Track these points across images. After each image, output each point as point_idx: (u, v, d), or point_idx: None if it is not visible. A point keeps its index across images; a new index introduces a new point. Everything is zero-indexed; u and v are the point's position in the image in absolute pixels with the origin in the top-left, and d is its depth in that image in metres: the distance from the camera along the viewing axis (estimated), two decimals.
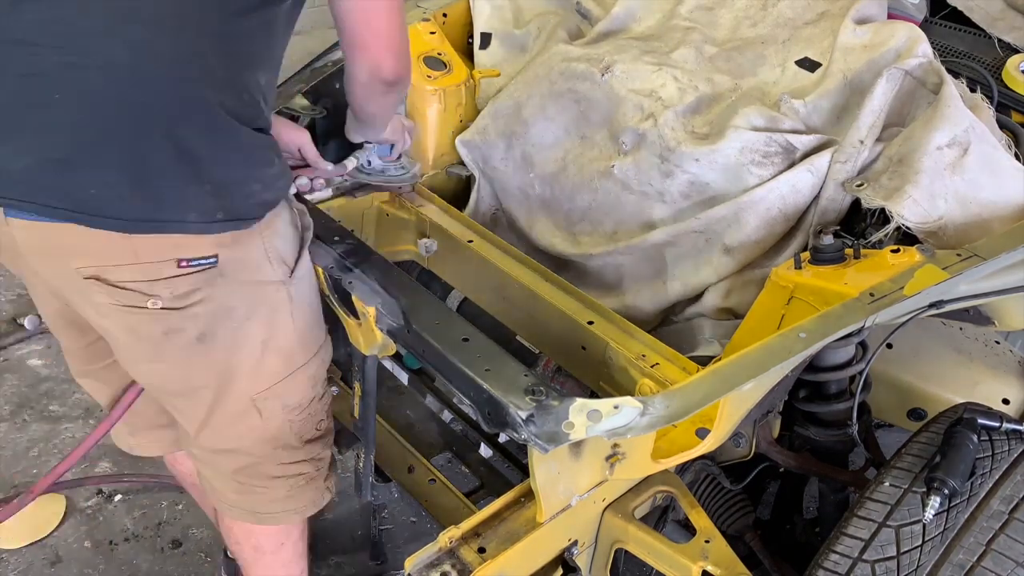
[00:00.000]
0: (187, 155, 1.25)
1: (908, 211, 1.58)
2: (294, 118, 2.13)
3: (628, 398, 1.20)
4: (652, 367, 1.55)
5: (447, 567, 1.35)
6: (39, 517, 2.35)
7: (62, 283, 1.35)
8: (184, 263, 1.28)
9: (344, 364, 2.51)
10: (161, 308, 1.31)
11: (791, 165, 1.75)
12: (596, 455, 1.36)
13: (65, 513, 2.39)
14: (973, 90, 1.86)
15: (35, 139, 1.22)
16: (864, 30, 1.89)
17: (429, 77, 2.12)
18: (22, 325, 3.01)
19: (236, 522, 1.71)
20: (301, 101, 2.07)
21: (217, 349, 1.42)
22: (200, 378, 1.46)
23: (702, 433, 1.41)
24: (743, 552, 1.62)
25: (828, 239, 1.56)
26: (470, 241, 1.91)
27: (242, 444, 1.57)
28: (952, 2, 2.21)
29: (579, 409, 1.20)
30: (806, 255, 1.57)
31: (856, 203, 1.72)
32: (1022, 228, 1.61)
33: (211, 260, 1.31)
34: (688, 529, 1.57)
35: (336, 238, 1.64)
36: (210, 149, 1.27)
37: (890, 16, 2.03)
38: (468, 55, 2.29)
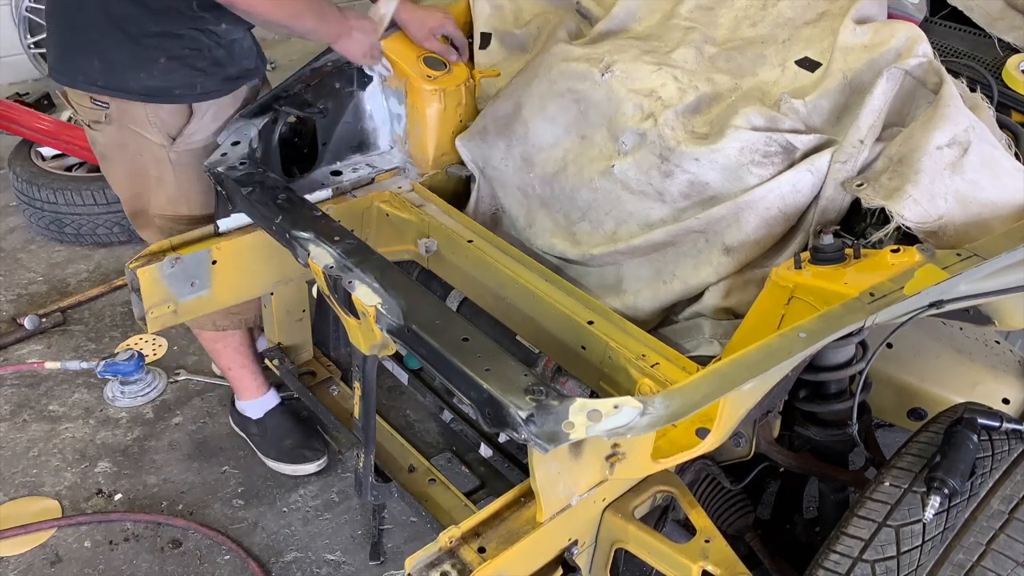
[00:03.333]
0: (87, 42, 1.89)
1: (908, 211, 1.58)
2: (295, 118, 2.14)
3: (628, 398, 1.20)
4: (652, 367, 1.55)
5: (447, 567, 1.35)
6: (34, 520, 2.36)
7: None
8: (93, 100, 1.95)
9: (344, 364, 2.52)
10: (86, 124, 2.02)
11: (791, 165, 1.75)
12: (596, 455, 1.36)
13: (65, 515, 2.39)
14: (973, 90, 1.86)
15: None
16: (864, 30, 1.89)
17: (429, 77, 2.12)
18: (22, 325, 3.01)
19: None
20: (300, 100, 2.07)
21: (116, 167, 2.07)
22: (116, 189, 2.14)
23: (702, 433, 1.41)
24: (743, 552, 1.62)
25: (828, 239, 1.56)
26: (470, 241, 1.91)
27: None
28: (952, 2, 2.20)
29: (579, 409, 1.20)
30: (806, 255, 1.57)
31: (856, 203, 1.72)
32: (1022, 228, 1.61)
33: (105, 104, 1.94)
34: (688, 529, 1.57)
35: (336, 238, 1.64)
36: (101, 41, 1.88)
37: (890, 16, 2.03)
38: (468, 55, 2.29)
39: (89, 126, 2.01)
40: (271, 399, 2.54)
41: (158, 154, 2.00)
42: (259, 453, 2.54)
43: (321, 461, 2.51)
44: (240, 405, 2.55)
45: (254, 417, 2.54)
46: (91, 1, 1.86)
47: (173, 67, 1.90)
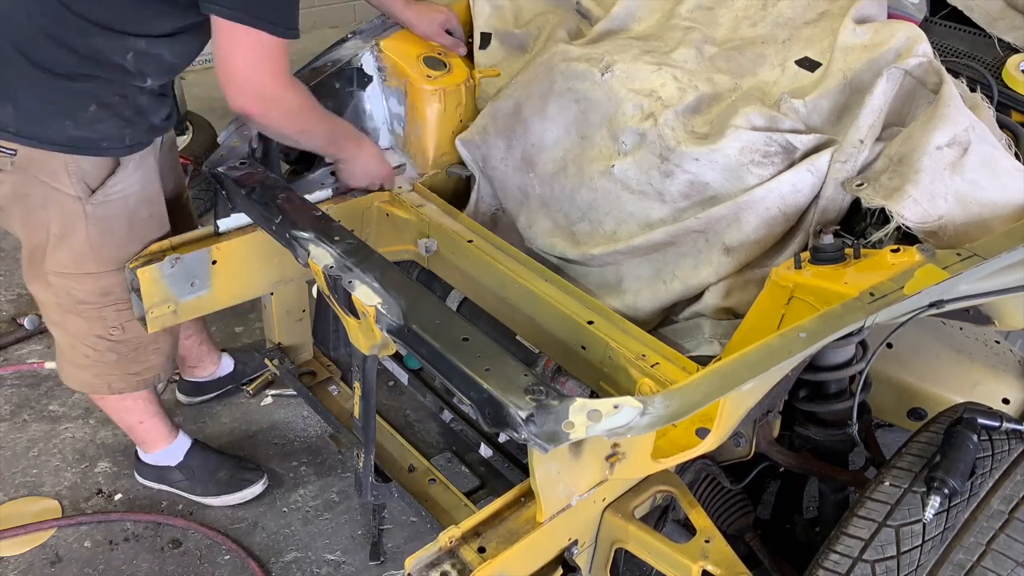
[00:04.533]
0: (1, 84, 1.73)
1: (908, 211, 1.58)
2: None
3: (628, 398, 1.20)
4: (652, 367, 1.55)
5: (447, 567, 1.35)
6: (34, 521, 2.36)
7: None
8: None
9: (344, 364, 2.51)
10: None
11: (791, 165, 1.75)
12: (596, 455, 1.36)
13: (65, 515, 2.39)
14: (973, 90, 1.86)
15: None
16: (864, 30, 1.89)
17: (429, 77, 2.12)
18: (22, 325, 3.01)
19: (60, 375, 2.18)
20: None
21: (13, 217, 1.88)
22: (13, 230, 1.94)
23: (702, 433, 1.41)
24: (743, 552, 1.62)
25: (828, 239, 1.56)
26: (470, 241, 1.91)
27: (47, 308, 2.01)
28: (952, 2, 2.21)
29: (579, 409, 1.20)
30: (806, 255, 1.57)
31: (856, 203, 1.72)
32: (1022, 228, 1.61)
33: (11, 151, 1.76)
34: (688, 529, 1.57)
35: (336, 238, 1.64)
36: (18, 84, 1.72)
37: (890, 16, 2.03)
38: (468, 55, 2.29)
39: None
40: (184, 440, 2.39)
41: (70, 208, 1.82)
42: (193, 497, 2.39)
43: (264, 479, 2.42)
44: (151, 457, 2.38)
45: (174, 464, 2.38)
46: (18, 41, 1.70)
47: (103, 116, 1.77)
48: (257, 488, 2.41)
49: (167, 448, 2.37)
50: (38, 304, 2.06)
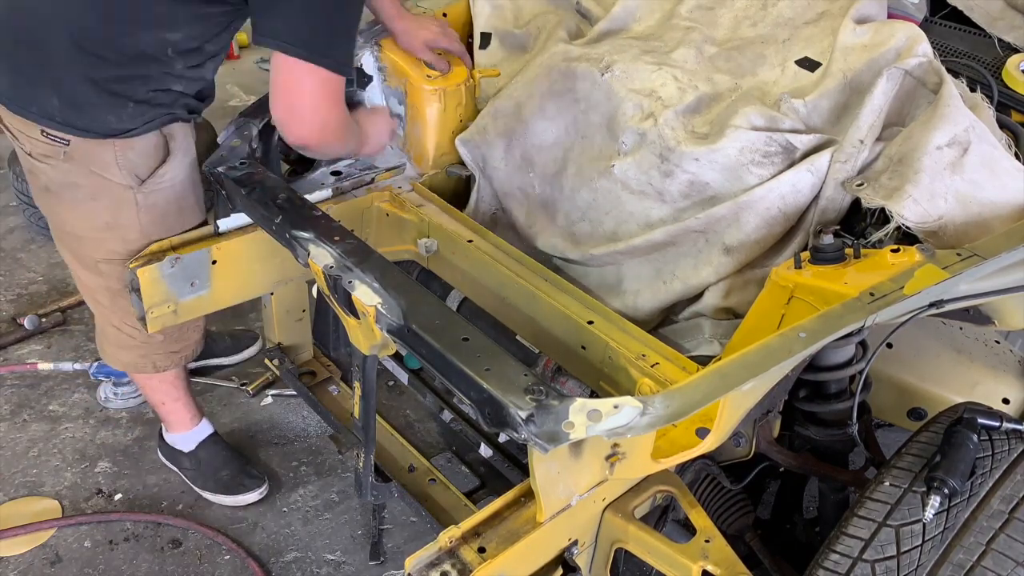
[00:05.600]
0: (50, 79, 1.77)
1: (908, 211, 1.58)
2: None
3: (628, 398, 1.20)
4: (652, 367, 1.55)
5: (447, 567, 1.35)
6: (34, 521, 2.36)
7: None
8: (46, 133, 1.81)
9: (344, 364, 2.51)
10: (28, 154, 1.87)
11: (791, 165, 1.75)
12: (596, 455, 1.36)
13: (65, 513, 2.39)
14: (973, 90, 1.86)
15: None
16: (864, 30, 1.89)
17: (429, 77, 2.12)
18: (22, 325, 3.01)
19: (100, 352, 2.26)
20: None
21: (62, 204, 1.92)
22: (51, 221, 2.02)
23: (702, 433, 1.41)
24: (743, 552, 1.62)
25: (828, 239, 1.56)
26: (470, 241, 1.91)
27: (95, 292, 2.07)
28: (952, 2, 2.20)
29: (579, 409, 1.20)
30: (806, 255, 1.57)
31: (856, 203, 1.72)
32: (1022, 228, 1.61)
33: (64, 141, 1.81)
34: (688, 529, 1.57)
35: (336, 238, 1.64)
36: (65, 82, 1.76)
37: (890, 16, 2.03)
38: (468, 55, 2.29)
39: (33, 157, 1.86)
40: (204, 429, 2.43)
41: (121, 197, 1.88)
42: (195, 487, 2.44)
43: (263, 488, 2.42)
44: (171, 438, 2.44)
45: (186, 450, 2.43)
46: (57, 41, 1.73)
47: (142, 110, 1.82)
48: (252, 496, 2.42)
49: (185, 433, 2.42)
50: (81, 288, 2.12)
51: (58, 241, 2.05)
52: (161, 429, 2.47)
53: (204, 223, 2.00)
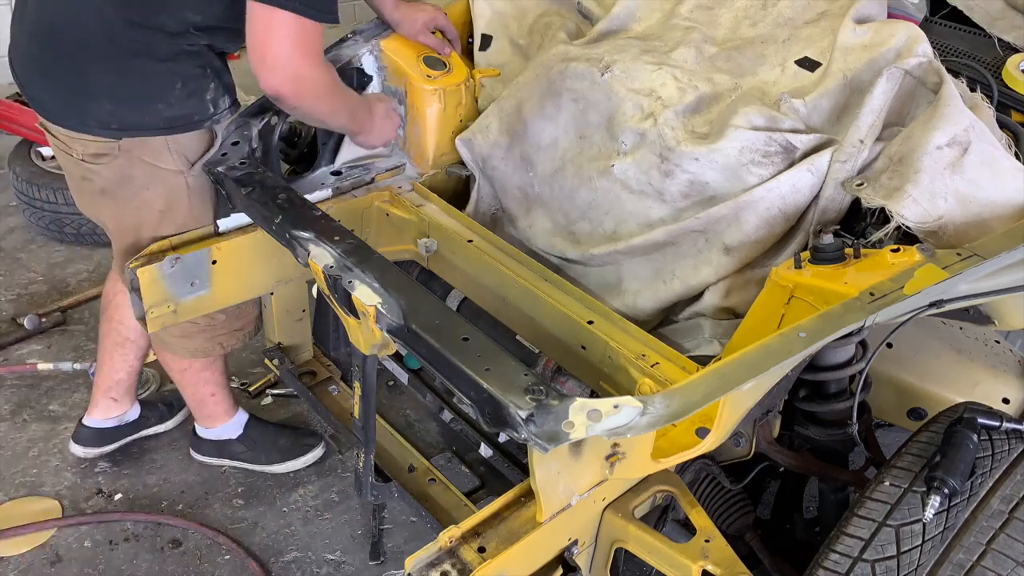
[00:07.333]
0: (96, 86, 1.82)
1: (908, 210, 1.58)
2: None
3: (628, 398, 1.20)
4: (652, 367, 1.55)
5: (447, 567, 1.35)
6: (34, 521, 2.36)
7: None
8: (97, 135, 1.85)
9: (344, 364, 2.51)
10: (81, 159, 1.90)
11: (791, 165, 1.75)
12: (596, 454, 1.36)
13: (65, 513, 2.39)
14: (973, 90, 1.86)
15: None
16: (864, 29, 1.89)
17: (429, 77, 2.12)
18: (22, 325, 3.01)
19: (158, 349, 2.27)
20: None
21: (118, 202, 1.96)
22: (110, 222, 2.04)
23: (702, 433, 1.41)
24: (743, 552, 1.62)
25: (828, 239, 1.56)
26: (470, 241, 1.91)
27: None
28: (952, 2, 2.21)
29: (579, 409, 1.20)
30: (806, 255, 1.57)
31: (856, 203, 1.72)
32: (1022, 228, 1.61)
33: (117, 137, 1.84)
34: (688, 529, 1.57)
35: (336, 238, 1.64)
36: (111, 80, 1.81)
37: (890, 16, 2.03)
38: (468, 55, 2.29)
39: (87, 161, 1.89)
40: (243, 414, 2.46)
41: (172, 182, 1.92)
42: (257, 467, 2.47)
43: (323, 445, 2.51)
44: (212, 432, 2.44)
45: (235, 436, 2.45)
46: (97, 35, 1.78)
47: (190, 91, 1.84)
48: (318, 452, 2.51)
49: (229, 422, 2.44)
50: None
51: (116, 242, 2.07)
52: (194, 430, 2.47)
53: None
